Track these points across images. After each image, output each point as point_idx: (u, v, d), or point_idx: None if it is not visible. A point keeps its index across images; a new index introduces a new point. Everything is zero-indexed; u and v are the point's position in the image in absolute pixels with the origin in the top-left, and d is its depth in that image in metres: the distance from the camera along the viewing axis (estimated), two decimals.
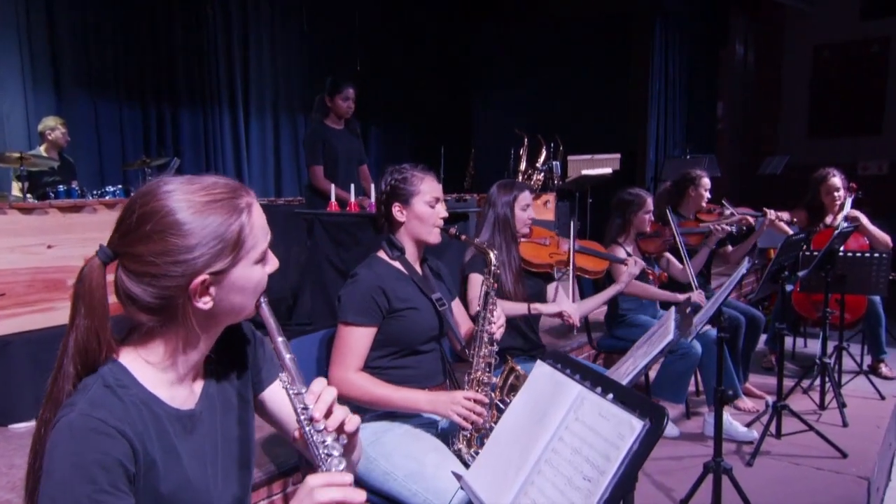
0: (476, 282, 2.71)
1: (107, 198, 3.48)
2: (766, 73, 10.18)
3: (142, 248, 1.01)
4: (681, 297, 3.58)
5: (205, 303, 1.04)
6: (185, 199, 1.03)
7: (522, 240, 2.96)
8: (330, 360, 2.02)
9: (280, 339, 1.10)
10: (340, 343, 2.00)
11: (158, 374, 1.09)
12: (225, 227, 1.04)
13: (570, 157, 7.01)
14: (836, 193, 4.51)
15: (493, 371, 2.09)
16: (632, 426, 1.15)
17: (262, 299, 1.12)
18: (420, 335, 2.08)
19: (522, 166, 6.57)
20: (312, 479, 0.98)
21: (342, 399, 1.97)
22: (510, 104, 9.24)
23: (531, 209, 2.94)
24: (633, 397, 1.22)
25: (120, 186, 4.30)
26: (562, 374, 1.41)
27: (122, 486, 0.97)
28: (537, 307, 2.77)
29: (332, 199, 4.10)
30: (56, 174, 4.87)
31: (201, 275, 1.02)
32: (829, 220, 4.58)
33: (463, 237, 2.24)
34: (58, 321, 3.05)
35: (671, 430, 3.55)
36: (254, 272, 1.09)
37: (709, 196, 4.24)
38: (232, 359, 1.23)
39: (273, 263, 1.14)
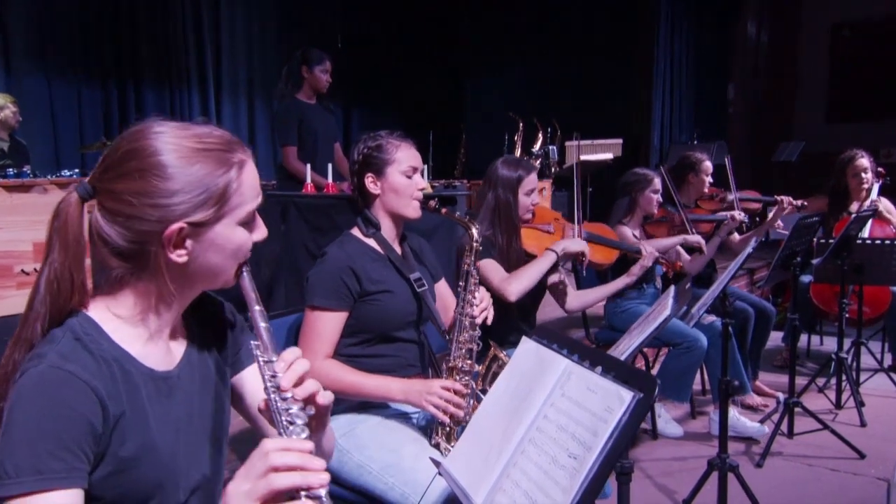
0: (492, 267, 2.67)
1: (61, 178, 3.45)
2: (780, 53, 10.20)
3: (121, 186, 1.03)
4: (691, 238, 3.75)
5: (179, 255, 1.06)
6: (175, 142, 1.05)
7: (523, 226, 2.86)
8: (297, 346, 2.00)
9: (257, 308, 1.12)
10: (308, 328, 1.99)
11: (129, 329, 1.10)
12: (211, 178, 1.06)
13: (567, 143, 7.00)
14: (864, 175, 4.49)
15: (475, 359, 2.07)
16: (621, 398, 1.14)
17: (244, 268, 1.15)
18: (395, 320, 2.07)
19: (517, 153, 6.56)
20: (269, 443, 0.97)
21: None
22: (504, 86, 9.23)
23: (536, 194, 2.82)
24: (624, 368, 1.21)
25: (77, 170, 4.26)
26: (548, 349, 1.40)
27: (85, 446, 0.98)
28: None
29: (308, 180, 4.07)
30: (6, 157, 4.83)
31: (178, 223, 1.04)
32: (853, 206, 4.57)
33: (443, 210, 2.22)
34: (5, 311, 3.02)
35: (674, 429, 3.56)
36: (236, 233, 1.10)
37: (710, 181, 4.24)
38: (215, 333, 1.26)
39: (261, 231, 1.16)
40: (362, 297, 2.00)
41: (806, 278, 4.46)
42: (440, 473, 1.44)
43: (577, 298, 3.15)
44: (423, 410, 1.95)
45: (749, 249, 2.63)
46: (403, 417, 2.08)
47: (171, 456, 1.11)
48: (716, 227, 3.99)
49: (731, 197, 4.20)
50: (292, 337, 2.14)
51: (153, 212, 1.03)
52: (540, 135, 6.55)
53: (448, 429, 1.95)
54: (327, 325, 1.98)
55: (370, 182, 2.09)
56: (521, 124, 6.49)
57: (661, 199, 3.75)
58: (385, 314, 2.04)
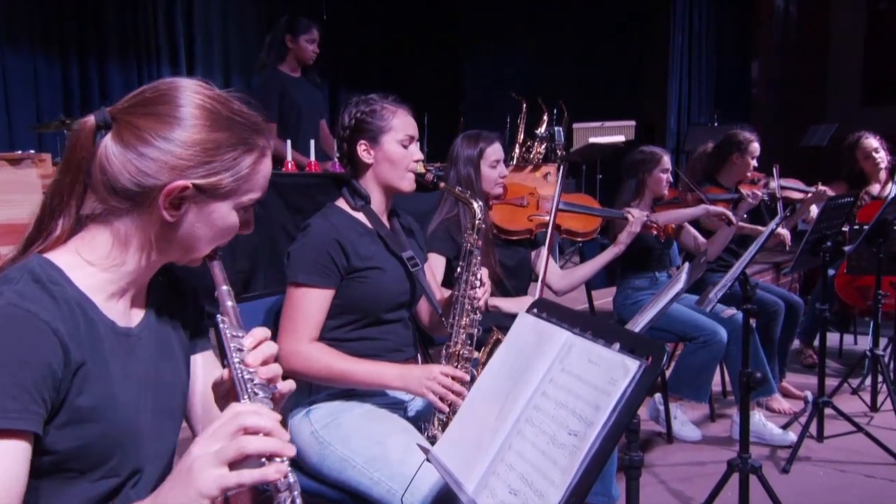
0: (437, 263, 2.66)
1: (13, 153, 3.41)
2: (811, 28, 10.19)
3: (144, 123, 1.10)
4: (714, 209, 3.59)
5: (171, 214, 1.11)
6: (209, 103, 1.13)
7: (495, 202, 2.92)
8: (279, 329, 2.00)
9: (224, 288, 1.19)
10: (291, 308, 1.98)
11: (96, 276, 1.13)
12: (232, 152, 1.14)
13: (575, 125, 7.00)
14: (875, 155, 4.55)
15: (475, 345, 2.08)
16: (626, 368, 1.14)
17: (217, 252, 1.22)
18: (386, 301, 2.07)
19: (520, 137, 6.55)
20: (239, 405, 1.01)
21: (295, 375, 1.97)
22: (506, 63, 9.22)
23: (502, 166, 2.86)
24: (629, 337, 1.21)
25: (32, 151, 4.23)
26: (547, 322, 1.40)
27: (44, 391, 1.00)
28: (496, 304, 2.72)
29: (289, 158, 4.06)
30: None
31: (186, 180, 1.10)
32: (875, 189, 4.61)
33: (441, 185, 2.22)
34: None
35: (691, 432, 3.56)
36: (231, 216, 1.18)
37: (756, 165, 4.21)
38: (176, 310, 1.31)
39: (249, 226, 1.24)
40: (349, 273, 2.00)
41: (830, 272, 4.46)
42: (429, 460, 1.43)
43: (565, 278, 3.21)
44: (417, 399, 1.95)
45: (773, 226, 2.63)
46: (394, 406, 2.08)
47: (134, 413, 1.13)
48: (733, 206, 3.98)
49: (773, 184, 4.19)
50: (271, 320, 2.14)
51: (166, 157, 1.08)
52: (545, 116, 6.53)
53: (445, 419, 1.94)
54: (313, 303, 1.97)
55: (363, 150, 2.08)
56: (524, 105, 6.48)
57: (671, 179, 3.74)
58: (374, 294, 2.03)
